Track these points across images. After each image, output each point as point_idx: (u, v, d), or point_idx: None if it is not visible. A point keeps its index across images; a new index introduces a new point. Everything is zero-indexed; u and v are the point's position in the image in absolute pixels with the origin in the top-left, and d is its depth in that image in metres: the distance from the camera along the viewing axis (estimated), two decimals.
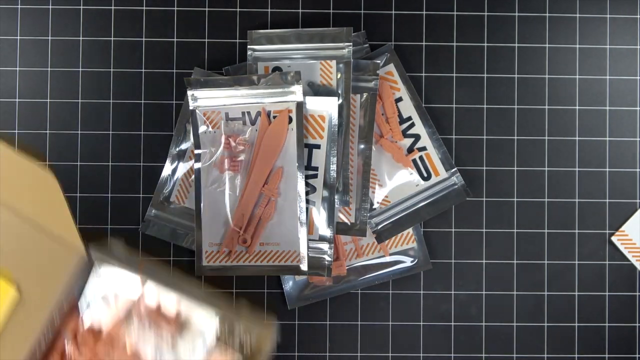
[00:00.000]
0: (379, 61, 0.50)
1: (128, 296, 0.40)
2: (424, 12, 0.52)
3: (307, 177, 0.49)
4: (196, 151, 0.49)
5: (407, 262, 0.51)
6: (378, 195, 0.51)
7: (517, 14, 0.53)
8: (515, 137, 0.52)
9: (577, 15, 0.53)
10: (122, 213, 0.51)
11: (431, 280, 0.52)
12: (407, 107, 0.51)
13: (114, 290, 0.40)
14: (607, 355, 0.52)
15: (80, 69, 0.51)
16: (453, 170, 0.51)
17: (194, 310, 0.41)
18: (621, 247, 0.52)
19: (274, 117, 0.48)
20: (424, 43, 0.52)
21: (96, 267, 0.41)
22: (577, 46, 0.53)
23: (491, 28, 0.53)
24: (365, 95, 0.50)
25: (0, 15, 0.51)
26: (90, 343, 0.39)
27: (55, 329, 0.39)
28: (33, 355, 0.37)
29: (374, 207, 0.51)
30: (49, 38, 0.51)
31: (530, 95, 0.52)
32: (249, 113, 0.49)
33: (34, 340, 0.37)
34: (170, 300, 0.40)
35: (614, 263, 0.52)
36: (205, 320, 0.40)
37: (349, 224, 0.50)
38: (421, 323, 0.52)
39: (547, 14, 0.53)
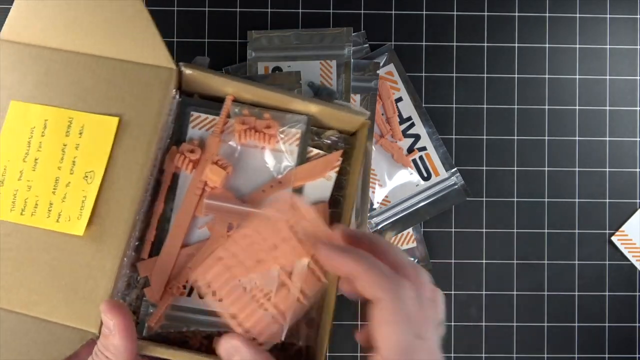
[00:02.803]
0: (379, 61, 0.50)
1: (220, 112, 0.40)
2: (424, 12, 0.52)
3: None
4: None
5: None
6: (378, 195, 0.51)
7: (517, 14, 0.53)
8: (515, 137, 0.52)
9: (577, 15, 0.53)
10: None
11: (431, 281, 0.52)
12: (407, 107, 0.51)
13: (206, 111, 0.40)
14: (607, 355, 0.52)
15: None
16: (453, 170, 0.51)
17: (285, 116, 0.40)
18: (621, 247, 0.52)
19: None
20: (424, 43, 0.52)
21: (184, 92, 0.40)
22: (577, 46, 0.53)
23: (491, 28, 0.53)
24: (365, 95, 0.50)
25: (2, 15, 0.51)
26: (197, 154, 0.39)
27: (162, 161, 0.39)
28: (147, 186, 0.37)
29: (374, 207, 0.51)
30: None
31: (530, 95, 0.52)
32: None
33: (146, 167, 0.37)
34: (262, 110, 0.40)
35: (614, 263, 0.52)
36: (298, 123, 0.40)
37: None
38: None
39: (547, 14, 0.53)
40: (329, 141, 0.42)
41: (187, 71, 0.39)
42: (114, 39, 0.37)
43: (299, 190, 0.40)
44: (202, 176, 0.39)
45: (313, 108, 0.40)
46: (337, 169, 0.41)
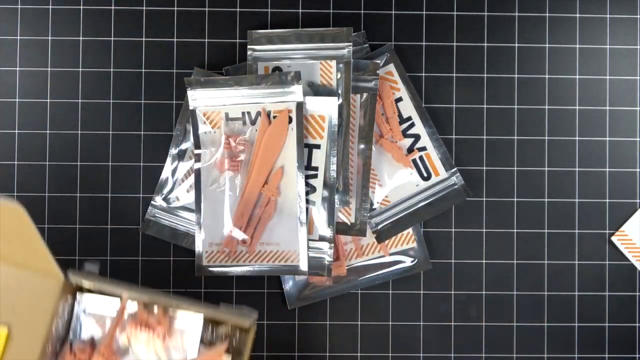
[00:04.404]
0: (379, 61, 0.50)
1: (113, 311, 0.42)
2: (424, 12, 0.52)
3: (307, 177, 0.49)
4: (196, 151, 0.49)
5: (407, 262, 0.51)
6: (378, 195, 0.51)
7: (517, 14, 0.53)
8: (515, 137, 0.52)
9: (577, 15, 0.53)
10: (122, 213, 0.51)
11: (431, 280, 0.52)
12: (407, 107, 0.51)
13: (98, 310, 0.43)
14: (607, 355, 0.52)
15: (81, 69, 0.51)
16: (453, 170, 0.51)
17: (176, 313, 0.42)
18: (621, 247, 0.52)
19: (274, 117, 0.48)
20: (424, 43, 0.52)
21: (77, 291, 0.43)
22: (577, 46, 0.53)
23: (491, 28, 0.53)
24: (365, 95, 0.50)
25: (0, 15, 0.51)
26: (86, 353, 0.41)
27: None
28: None
29: (374, 207, 0.51)
30: (49, 38, 0.51)
31: (530, 95, 0.52)
32: (249, 113, 0.49)
33: None
34: (154, 306, 0.42)
35: (614, 263, 0.52)
36: (189, 321, 0.42)
37: (349, 224, 0.50)
38: (421, 323, 0.52)
39: (547, 14, 0.53)
40: (222, 336, 0.43)
41: (75, 281, 0.41)
42: (9, 248, 0.39)
43: None
44: None
45: (201, 313, 0.42)
46: None
